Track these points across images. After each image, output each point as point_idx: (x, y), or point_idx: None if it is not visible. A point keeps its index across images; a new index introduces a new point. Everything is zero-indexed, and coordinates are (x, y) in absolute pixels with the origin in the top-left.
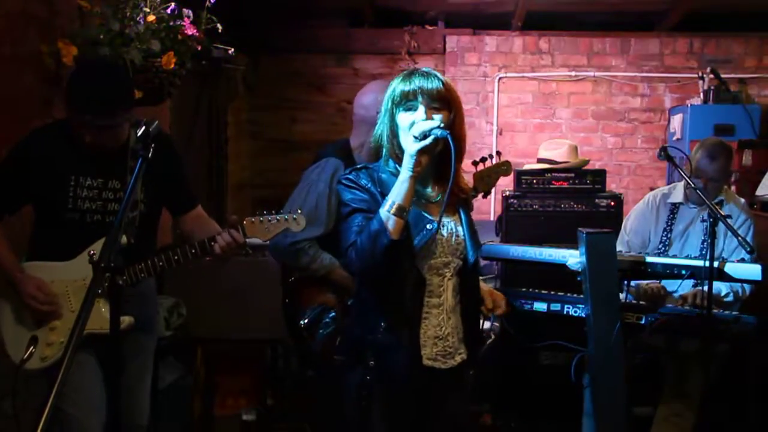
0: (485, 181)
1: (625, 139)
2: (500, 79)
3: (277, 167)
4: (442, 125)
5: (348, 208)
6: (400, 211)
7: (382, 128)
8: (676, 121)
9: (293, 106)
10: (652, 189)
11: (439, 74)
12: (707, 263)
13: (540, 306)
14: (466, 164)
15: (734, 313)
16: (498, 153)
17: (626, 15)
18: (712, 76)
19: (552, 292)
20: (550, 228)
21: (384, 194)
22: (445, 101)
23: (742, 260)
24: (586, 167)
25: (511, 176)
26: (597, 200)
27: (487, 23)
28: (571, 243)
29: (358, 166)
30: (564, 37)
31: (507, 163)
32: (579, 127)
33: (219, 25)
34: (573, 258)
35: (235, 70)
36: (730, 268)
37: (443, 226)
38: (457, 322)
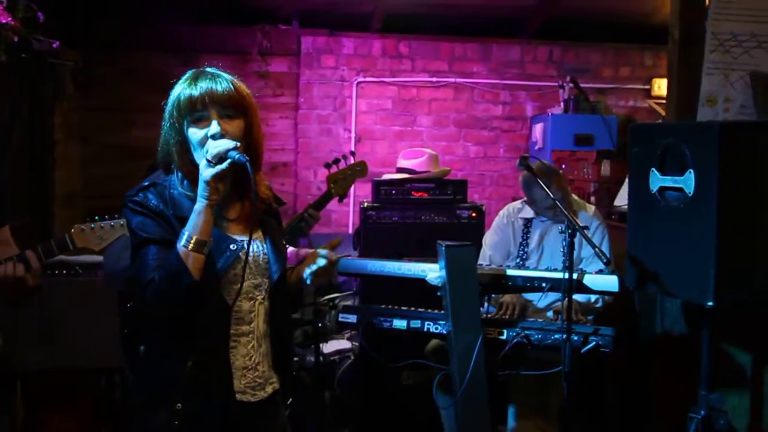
0: (340, 183)
1: (487, 147)
2: (359, 83)
3: (113, 175)
4: (238, 145)
5: (138, 237)
6: (200, 247)
7: (168, 140)
8: (538, 130)
9: (131, 108)
10: (515, 199)
11: (227, 75)
12: (567, 275)
13: (399, 323)
14: (320, 169)
15: (592, 327)
16: (352, 153)
17: (488, 20)
18: (572, 85)
19: (412, 309)
20: (410, 241)
21: (178, 216)
22: (238, 107)
23: (601, 272)
24: (447, 177)
25: (370, 187)
26: (458, 212)
27: (345, 24)
28: (431, 257)
29: (145, 184)
30: (424, 41)
31: (362, 163)
32: (440, 135)
33: (40, 14)
34: (433, 272)
35: (62, 66)
36: (589, 280)
37: (249, 243)
38: (267, 349)
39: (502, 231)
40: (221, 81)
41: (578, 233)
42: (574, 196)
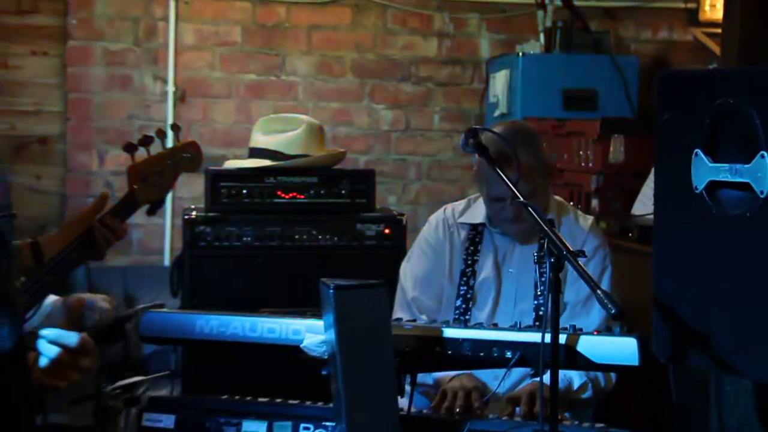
0: (151, 182)
1: (410, 113)
2: None
3: None
4: None
5: None
6: None
7: None
8: (499, 82)
9: None
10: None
11: None
12: (546, 336)
13: (254, 428)
14: (114, 152)
15: (594, 426)
16: (175, 127)
17: None
18: (559, 3)
19: (278, 401)
20: (273, 279)
21: None
22: None
23: (608, 329)
24: (340, 166)
25: (202, 186)
26: (360, 226)
27: None
28: (311, 306)
29: None
30: None
31: (192, 146)
32: (328, 91)
33: None
34: (312, 334)
35: None
36: (587, 346)
37: None
38: None
39: (434, 252)
40: None
41: (565, 262)
42: (557, 198)
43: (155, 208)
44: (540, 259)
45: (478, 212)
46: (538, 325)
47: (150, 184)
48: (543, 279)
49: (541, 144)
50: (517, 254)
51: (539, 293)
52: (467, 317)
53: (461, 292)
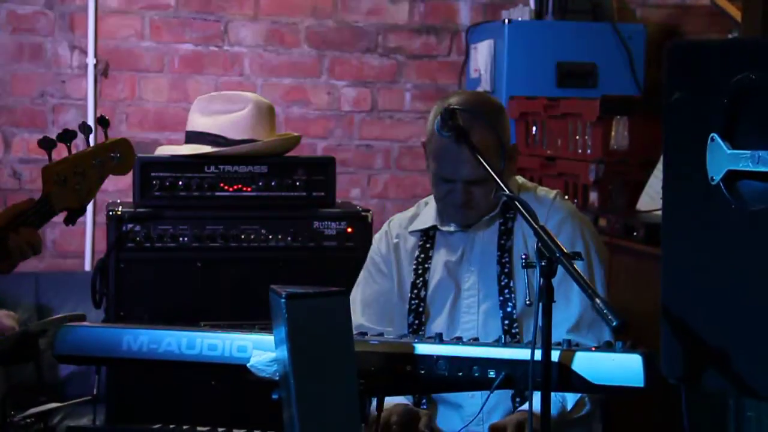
0: (71, 185)
1: (377, 91)
2: None
3: None
4: None
5: None
6: None
7: None
8: (482, 54)
9: None
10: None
11: None
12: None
13: None
14: (23, 140)
15: None
16: (102, 121)
17: None
18: None
19: (220, 429)
20: (213, 286)
21: None
22: None
23: (609, 344)
24: (293, 153)
25: (129, 177)
26: (317, 225)
27: None
28: (258, 319)
29: None
30: None
31: (122, 143)
32: (280, 64)
33: None
34: (261, 352)
35: None
36: (584, 365)
37: None
38: None
39: (379, 272)
40: None
41: (560, 265)
42: (518, 178)
43: (74, 216)
44: (528, 264)
45: (428, 216)
46: (507, 326)
47: (69, 188)
48: (533, 285)
49: (505, 121)
50: (477, 248)
51: (528, 302)
52: (420, 334)
53: (412, 307)
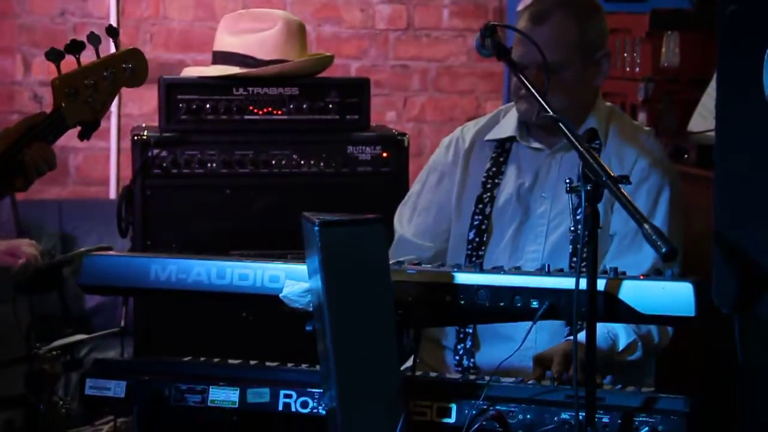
0: (83, 98)
1: (414, 7)
2: None
3: None
4: None
5: None
6: None
7: None
8: None
9: None
10: (472, 120)
11: None
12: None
13: (224, 396)
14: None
15: (639, 395)
16: (111, 30)
17: None
18: None
19: (252, 363)
20: (243, 214)
21: None
22: None
23: (658, 272)
24: (326, 74)
25: (153, 95)
26: (351, 149)
27: None
28: (290, 247)
29: None
30: None
31: (135, 54)
32: None
33: None
34: (294, 282)
35: None
36: (631, 294)
37: None
38: None
39: (438, 182)
40: None
41: (607, 190)
42: (608, 103)
43: (89, 131)
44: (573, 188)
45: (508, 125)
46: (574, 267)
47: (81, 100)
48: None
49: (595, 20)
50: (554, 173)
51: (572, 229)
52: (480, 253)
53: (475, 222)
